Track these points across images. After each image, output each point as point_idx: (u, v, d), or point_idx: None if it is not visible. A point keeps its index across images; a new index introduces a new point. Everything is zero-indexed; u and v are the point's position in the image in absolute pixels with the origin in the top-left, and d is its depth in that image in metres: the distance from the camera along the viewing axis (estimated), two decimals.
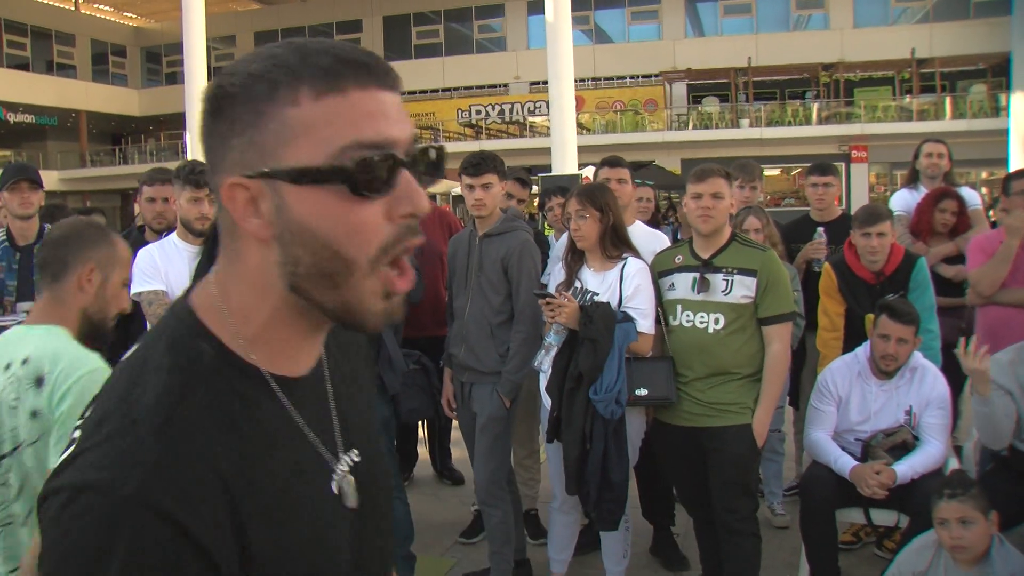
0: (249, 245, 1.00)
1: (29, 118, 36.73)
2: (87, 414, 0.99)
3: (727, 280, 3.97)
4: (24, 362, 2.24)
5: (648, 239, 4.62)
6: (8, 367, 2.26)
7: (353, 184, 0.94)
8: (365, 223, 0.96)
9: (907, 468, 3.97)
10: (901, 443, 4.10)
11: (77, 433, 0.97)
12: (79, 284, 2.39)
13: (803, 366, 5.37)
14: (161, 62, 41.87)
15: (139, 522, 0.87)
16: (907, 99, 30.89)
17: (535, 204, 8.60)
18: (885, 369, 4.19)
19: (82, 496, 0.88)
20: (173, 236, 4.19)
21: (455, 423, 4.86)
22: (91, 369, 2.23)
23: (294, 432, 1.05)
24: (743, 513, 3.95)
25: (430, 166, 1.03)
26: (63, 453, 0.95)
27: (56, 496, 0.90)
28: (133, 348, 1.06)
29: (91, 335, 2.41)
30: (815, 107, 31.46)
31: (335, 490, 1.09)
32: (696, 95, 34.12)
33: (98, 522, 0.87)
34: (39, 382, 2.22)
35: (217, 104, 0.98)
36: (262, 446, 1.00)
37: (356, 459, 1.13)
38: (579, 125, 20.77)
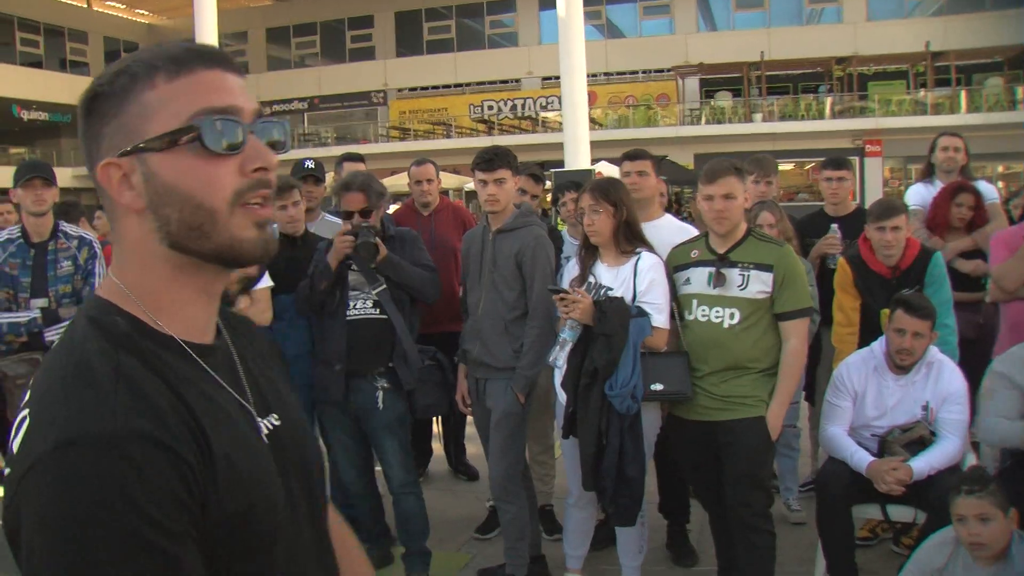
0: (128, 221, 1.16)
1: (43, 115, 36.88)
2: (28, 397, 1.09)
3: (743, 275, 3.95)
4: None
5: (677, 233, 4.54)
6: None
7: (204, 140, 1.11)
8: (220, 176, 1.13)
9: (924, 464, 3.94)
10: (918, 439, 4.07)
11: (26, 411, 1.06)
12: None
13: (818, 362, 5.33)
14: None
15: (138, 451, 0.99)
16: (922, 93, 30.68)
17: (548, 200, 8.58)
18: (901, 364, 4.16)
19: (77, 448, 0.98)
20: None
21: (469, 419, 4.86)
22: None
23: (217, 387, 1.18)
24: (757, 508, 3.94)
25: (277, 132, 1.22)
26: (20, 431, 1.05)
27: (42, 463, 0.99)
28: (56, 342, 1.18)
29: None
30: (828, 101, 31.29)
31: (265, 440, 1.22)
32: (709, 90, 34.00)
33: (105, 463, 0.98)
34: None
35: (89, 105, 1.15)
36: (194, 393, 1.12)
37: (276, 423, 1.25)
38: (591, 120, 20.75)
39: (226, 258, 1.17)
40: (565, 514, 4.51)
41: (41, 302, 4.44)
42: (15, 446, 1.04)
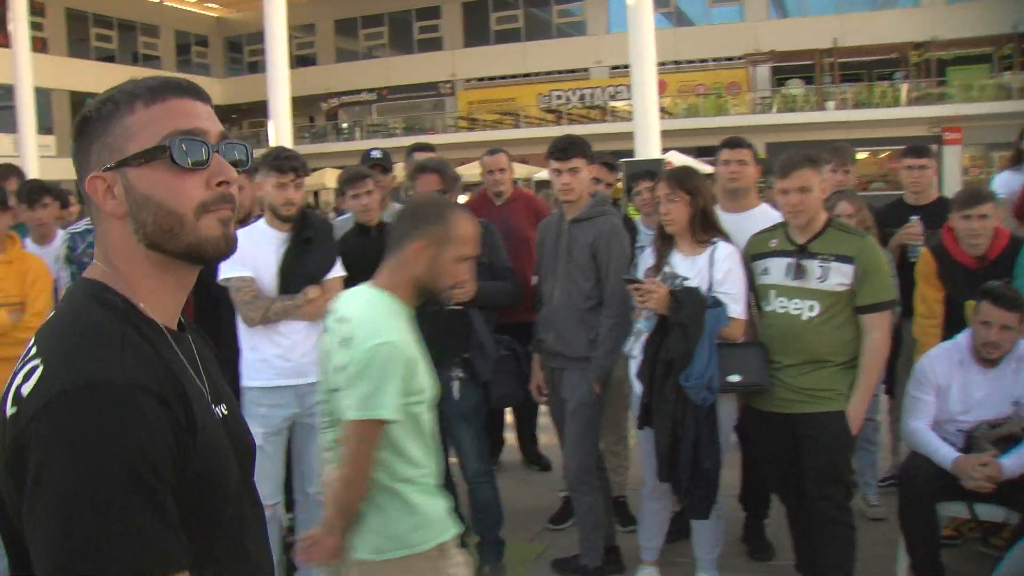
0: (112, 224, 1.35)
1: None
2: (35, 351, 1.25)
3: (823, 267, 3.87)
4: (344, 320, 2.63)
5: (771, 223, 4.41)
6: (339, 319, 2.66)
7: (174, 157, 1.30)
8: (188, 188, 1.32)
9: (1015, 462, 3.82)
10: (1008, 435, 3.94)
11: (37, 361, 1.22)
12: (412, 257, 2.64)
13: (898, 354, 5.20)
14: (243, 51, 42.60)
15: (146, 401, 1.19)
16: (1007, 76, 29.63)
17: (619, 188, 8.51)
18: (988, 357, 4.04)
19: (94, 390, 1.16)
20: (261, 222, 4.24)
21: (542, 408, 4.84)
22: (381, 342, 2.50)
23: (186, 369, 1.36)
24: (837, 501, 3.89)
25: (239, 153, 1.40)
26: (30, 378, 1.20)
27: (61, 400, 1.16)
28: (51, 315, 1.36)
29: (426, 301, 2.72)
30: (904, 88, 30.52)
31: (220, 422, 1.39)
32: (780, 77, 33.46)
33: (118, 406, 1.16)
34: (346, 342, 2.56)
35: (81, 128, 1.35)
36: (176, 367, 1.31)
37: (225, 412, 1.42)
38: (661, 109, 20.58)
39: (193, 256, 1.36)
40: (640, 505, 4.48)
41: None
42: (25, 389, 1.20)
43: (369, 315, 2.60)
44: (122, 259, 1.36)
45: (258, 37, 26.28)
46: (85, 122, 1.34)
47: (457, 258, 2.68)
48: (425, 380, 2.62)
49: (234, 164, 1.39)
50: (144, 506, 1.15)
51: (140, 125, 1.31)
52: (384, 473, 2.54)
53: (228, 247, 1.38)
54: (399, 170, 6.67)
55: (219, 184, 1.35)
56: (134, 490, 1.14)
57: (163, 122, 1.32)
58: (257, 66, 36.12)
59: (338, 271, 4.26)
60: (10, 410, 1.20)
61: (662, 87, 22.60)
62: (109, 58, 37.69)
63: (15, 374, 1.24)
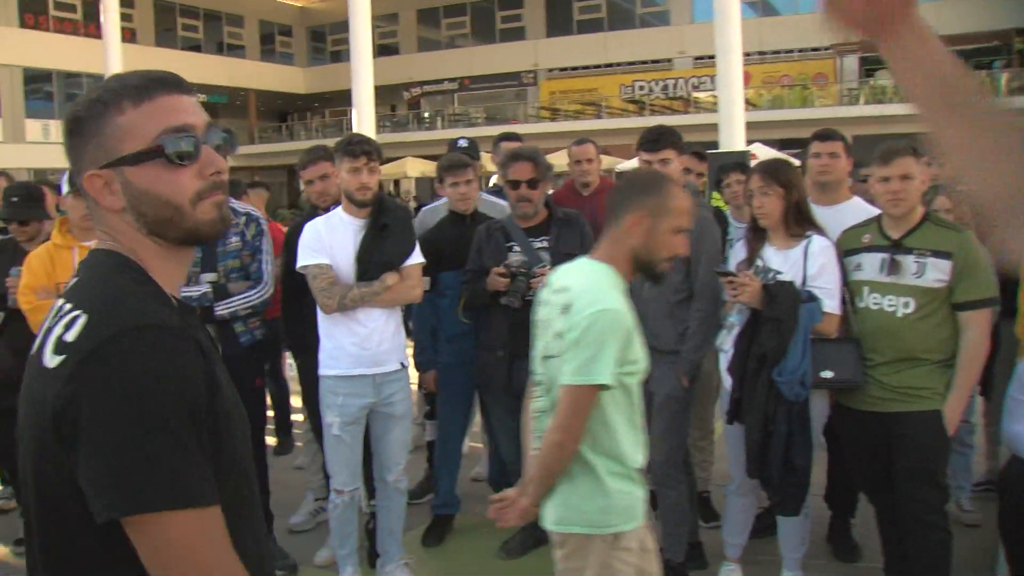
0: (113, 216, 1.44)
1: (201, 97, 37.89)
2: (70, 305, 1.33)
3: (919, 263, 3.76)
4: (563, 290, 2.67)
5: (864, 217, 4.26)
6: (557, 290, 2.72)
7: (167, 156, 1.39)
8: (183, 181, 1.42)
9: None
10: None
11: (77, 312, 1.31)
12: (629, 228, 2.66)
13: (996, 354, 5.02)
14: (326, 41, 43.18)
15: (187, 343, 1.31)
16: None
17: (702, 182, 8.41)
18: None
19: (148, 331, 1.27)
20: (339, 209, 4.25)
21: None
22: (602, 309, 2.53)
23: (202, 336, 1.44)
24: (931, 504, 3.79)
25: (223, 139, 1.50)
26: (73, 326, 1.29)
27: (112, 343, 1.24)
28: (73, 281, 1.44)
29: (643, 273, 2.74)
30: (1004, 77, 29.46)
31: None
32: (869, 68, 32.67)
33: (171, 344, 1.28)
34: (566, 309, 2.60)
35: (72, 126, 1.43)
36: (199, 334, 1.41)
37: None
38: (745, 101, 20.28)
39: (192, 239, 1.47)
40: (726, 501, 4.43)
41: (211, 276, 4.44)
42: (70, 336, 1.28)
43: (589, 284, 2.63)
44: (127, 244, 1.45)
45: (341, 27, 26.55)
46: (76, 121, 1.42)
47: (673, 229, 2.68)
48: (640, 351, 2.63)
49: (217, 149, 1.48)
50: (192, 443, 1.26)
51: (131, 124, 1.39)
52: (586, 444, 2.56)
53: (224, 226, 1.49)
54: (485, 160, 6.68)
55: (211, 175, 1.45)
56: (186, 426, 1.25)
57: (154, 121, 1.39)
58: (340, 55, 36.65)
59: (416, 258, 4.27)
60: (54, 360, 1.28)
61: (746, 78, 22.22)
62: (195, 48, 38.63)
63: (50, 330, 1.33)
